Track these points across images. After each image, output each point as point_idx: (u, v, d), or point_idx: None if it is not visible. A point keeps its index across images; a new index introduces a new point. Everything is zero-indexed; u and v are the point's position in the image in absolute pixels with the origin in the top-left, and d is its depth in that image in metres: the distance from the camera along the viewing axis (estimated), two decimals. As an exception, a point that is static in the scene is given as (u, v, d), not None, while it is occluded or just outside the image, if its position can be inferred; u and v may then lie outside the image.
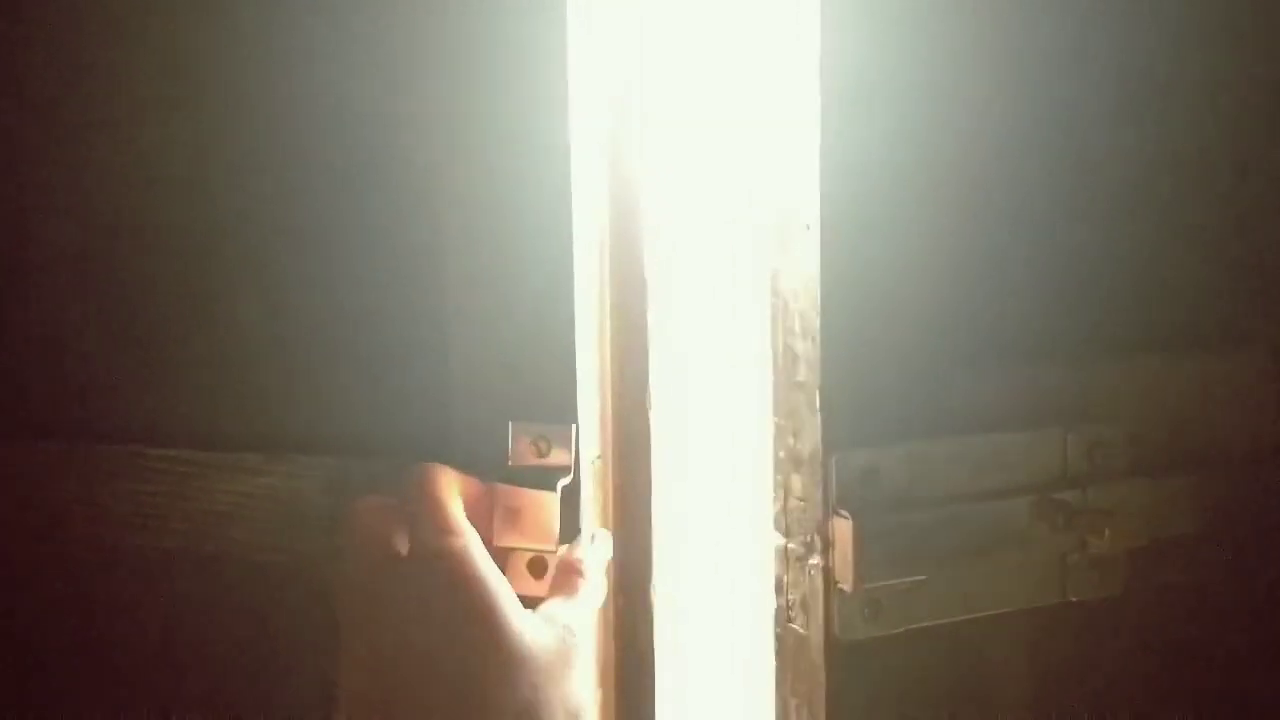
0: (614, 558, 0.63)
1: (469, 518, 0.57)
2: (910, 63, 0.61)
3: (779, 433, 0.63)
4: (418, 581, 0.54)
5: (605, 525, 0.64)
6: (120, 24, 0.68)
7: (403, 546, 0.55)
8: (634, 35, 0.63)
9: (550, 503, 0.59)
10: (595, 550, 0.61)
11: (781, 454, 0.63)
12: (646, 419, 0.64)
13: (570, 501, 0.60)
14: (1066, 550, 0.64)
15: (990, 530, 0.63)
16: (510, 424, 0.60)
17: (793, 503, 0.62)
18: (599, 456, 0.63)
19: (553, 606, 0.57)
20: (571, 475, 0.60)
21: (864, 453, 0.61)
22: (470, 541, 0.55)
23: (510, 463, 0.60)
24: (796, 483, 0.62)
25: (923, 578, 0.61)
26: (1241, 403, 0.68)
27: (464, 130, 0.61)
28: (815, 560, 0.61)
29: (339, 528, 0.57)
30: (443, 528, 0.55)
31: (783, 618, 0.63)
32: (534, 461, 0.60)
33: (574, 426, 0.60)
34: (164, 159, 0.68)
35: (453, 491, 0.57)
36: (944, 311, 0.63)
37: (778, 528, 0.63)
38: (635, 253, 0.63)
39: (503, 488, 0.59)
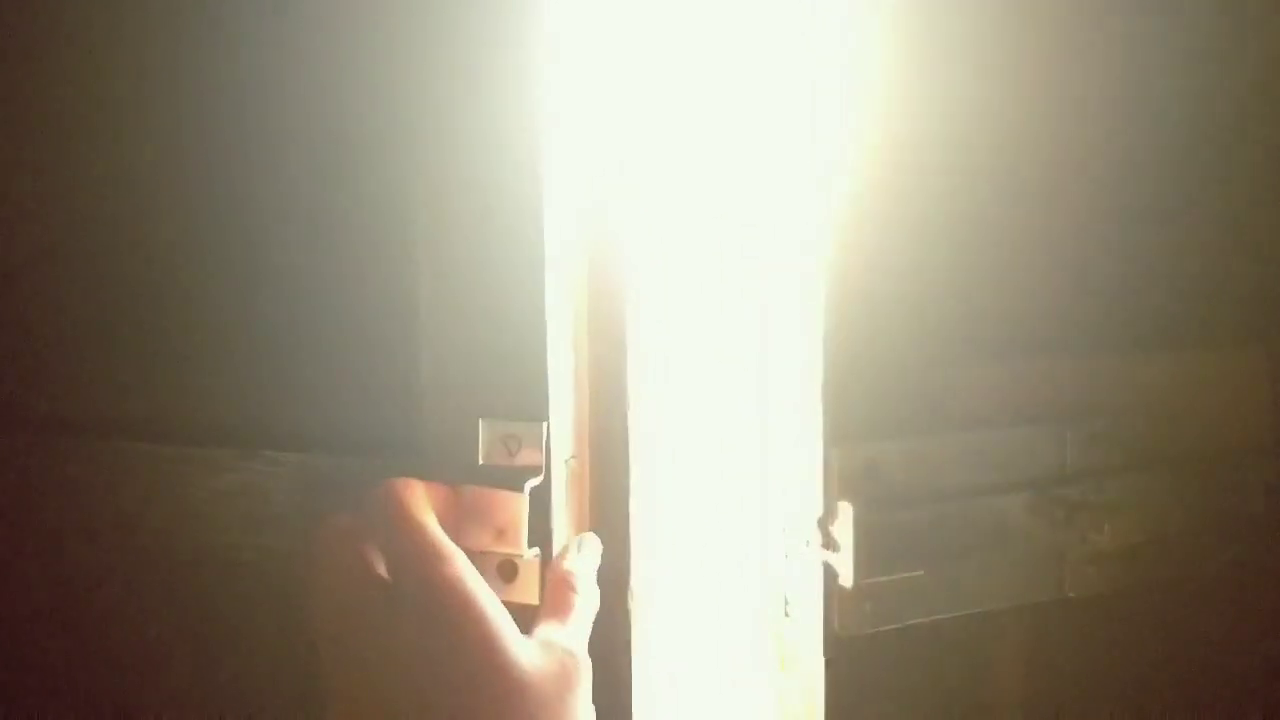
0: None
1: (439, 521, 0.54)
2: (910, 59, 0.61)
3: (778, 428, 0.63)
4: (407, 613, 0.51)
5: (580, 528, 0.62)
6: (91, 21, 0.67)
7: (383, 574, 0.52)
8: (611, 30, 0.61)
9: (518, 504, 0.57)
10: (584, 559, 0.58)
11: (781, 449, 0.63)
12: (625, 418, 0.61)
13: (540, 503, 0.58)
14: (1065, 546, 0.64)
15: (989, 526, 0.63)
16: (480, 421, 0.58)
17: (792, 498, 0.62)
18: (572, 457, 0.60)
19: (550, 630, 0.54)
20: (542, 476, 0.57)
21: (865, 447, 0.61)
22: (461, 568, 0.52)
23: (481, 461, 0.58)
24: (796, 478, 0.62)
25: (922, 573, 0.61)
26: (1238, 398, 0.69)
27: (434, 123, 0.59)
28: (815, 555, 0.61)
29: (306, 554, 0.54)
30: (429, 553, 0.52)
31: (780, 613, 0.63)
32: (504, 461, 0.58)
33: (544, 425, 0.58)
34: (134, 155, 0.67)
35: (428, 508, 0.54)
36: (944, 307, 0.63)
37: (776, 523, 0.63)
38: (614, 245, 0.61)
39: (470, 489, 0.57)
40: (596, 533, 0.60)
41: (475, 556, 0.56)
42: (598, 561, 0.59)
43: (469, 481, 0.57)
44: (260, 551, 0.64)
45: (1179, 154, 0.68)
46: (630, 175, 0.61)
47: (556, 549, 0.58)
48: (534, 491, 0.57)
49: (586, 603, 0.57)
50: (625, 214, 0.61)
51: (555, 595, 0.56)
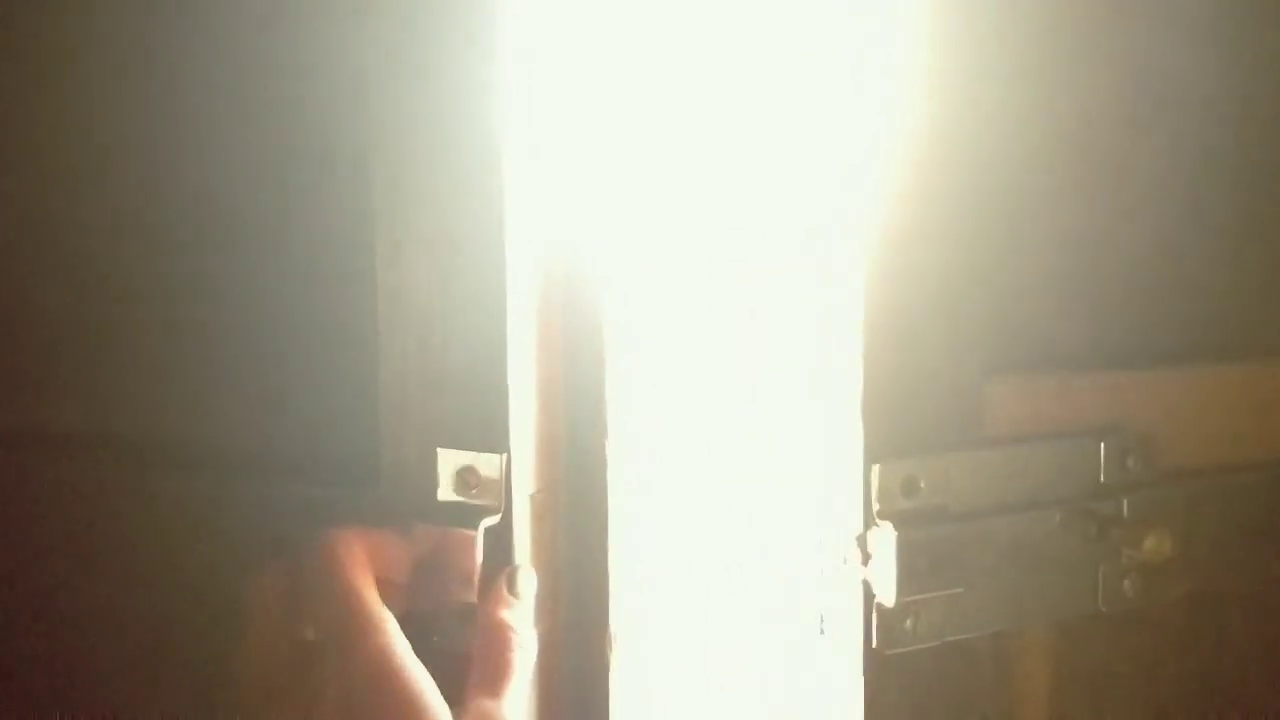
0: (565, 606, 0.57)
1: (386, 571, 0.51)
2: (947, 73, 0.61)
3: (815, 444, 0.62)
4: (331, 681, 0.48)
5: (550, 570, 0.56)
6: (22, 14, 0.65)
7: (310, 635, 0.50)
8: (579, 32, 0.58)
9: (469, 546, 0.52)
10: (520, 604, 0.53)
11: (818, 465, 0.62)
12: (603, 447, 0.57)
13: (498, 543, 0.53)
14: (1100, 560, 0.64)
15: (1025, 541, 0.63)
16: (438, 452, 0.54)
17: (830, 514, 0.62)
18: (539, 490, 0.56)
19: (481, 702, 0.50)
20: (499, 515, 0.53)
21: (904, 463, 0.60)
22: (388, 639, 0.48)
23: (440, 496, 0.54)
24: (833, 494, 0.61)
25: (961, 590, 0.61)
26: (1272, 410, 0.69)
27: (394, 139, 0.56)
28: (854, 573, 0.60)
29: (240, 599, 0.51)
30: (357, 623, 0.49)
31: (816, 631, 0.63)
32: (463, 496, 0.53)
33: (503, 457, 0.53)
34: (94, 183, 0.65)
35: (364, 568, 0.50)
36: (981, 321, 0.63)
37: (813, 540, 0.62)
38: (591, 258, 0.58)
39: (423, 529, 0.53)
40: (572, 573, 0.56)
41: (428, 609, 0.52)
42: (532, 594, 0.54)
43: (424, 519, 0.53)
44: (213, 574, 0.61)
45: (1218, 164, 0.68)
46: (617, 184, 0.58)
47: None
48: (491, 532, 0.52)
49: (523, 660, 0.52)
50: (606, 224, 0.57)
51: (487, 653, 0.52)
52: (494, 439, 0.53)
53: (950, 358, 0.62)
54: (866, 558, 0.60)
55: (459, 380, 0.54)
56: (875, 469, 0.60)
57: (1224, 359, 0.68)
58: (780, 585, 0.65)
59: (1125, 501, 0.64)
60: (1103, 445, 0.65)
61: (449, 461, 0.54)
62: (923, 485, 0.61)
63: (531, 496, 0.55)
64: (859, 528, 0.60)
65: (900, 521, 0.59)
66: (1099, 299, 0.66)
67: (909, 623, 0.60)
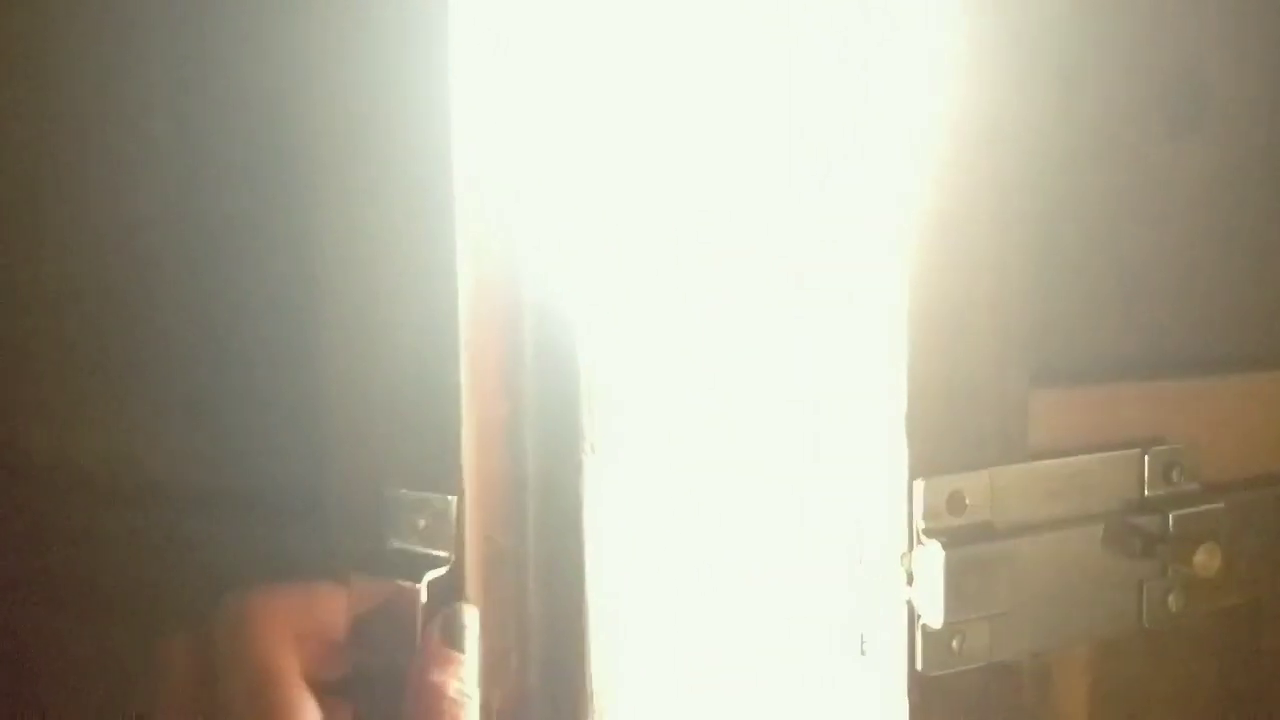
0: (535, 666, 0.50)
1: (319, 631, 0.46)
2: (989, 81, 0.59)
3: (854, 460, 0.60)
4: None
5: (519, 625, 0.49)
6: None
7: (216, 707, 0.45)
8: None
9: (411, 600, 0.45)
10: (455, 660, 0.45)
11: (856, 482, 0.60)
12: (578, 486, 0.50)
13: (450, 597, 0.46)
14: (1144, 577, 0.63)
15: (1070, 558, 0.61)
16: (383, 493, 0.47)
17: (870, 533, 0.60)
18: (502, 536, 0.49)
19: None
20: (446, 566, 0.46)
21: (949, 479, 0.58)
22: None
23: (384, 542, 0.48)
24: (874, 512, 0.59)
25: (1006, 610, 0.59)
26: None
27: (339, 159, 0.51)
28: (898, 593, 0.58)
29: (154, 652, 0.47)
30: (263, 700, 0.43)
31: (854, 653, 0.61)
32: (407, 543, 0.47)
33: (455, 499, 0.46)
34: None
35: (283, 636, 0.45)
36: (1024, 330, 0.61)
37: (853, 559, 0.60)
38: (562, 274, 0.51)
39: (361, 581, 0.46)
40: (545, 629, 0.49)
41: (368, 674, 0.46)
42: (474, 642, 0.47)
43: (366, 568, 0.47)
44: (156, 612, 0.57)
45: (1260, 172, 0.66)
46: (602, 191, 0.54)
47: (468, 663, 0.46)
48: (439, 584, 0.46)
49: None
50: (589, 230, 0.51)
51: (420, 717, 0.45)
52: (443, 478, 0.47)
53: (997, 368, 0.60)
54: (910, 578, 0.58)
55: (406, 412, 0.48)
56: (920, 485, 0.58)
57: (1268, 366, 0.67)
58: (799, 617, 0.63)
59: (1170, 516, 0.62)
60: (1146, 458, 0.63)
61: (395, 504, 0.47)
62: (968, 501, 0.59)
63: (489, 541, 0.48)
64: (902, 546, 0.58)
65: (947, 540, 0.57)
66: (1141, 307, 0.65)
67: (955, 643, 0.58)
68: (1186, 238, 0.65)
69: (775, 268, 0.63)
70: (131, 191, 0.60)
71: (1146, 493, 0.63)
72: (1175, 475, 0.63)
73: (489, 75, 0.50)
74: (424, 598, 0.45)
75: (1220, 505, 0.63)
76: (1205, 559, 0.61)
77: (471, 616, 0.47)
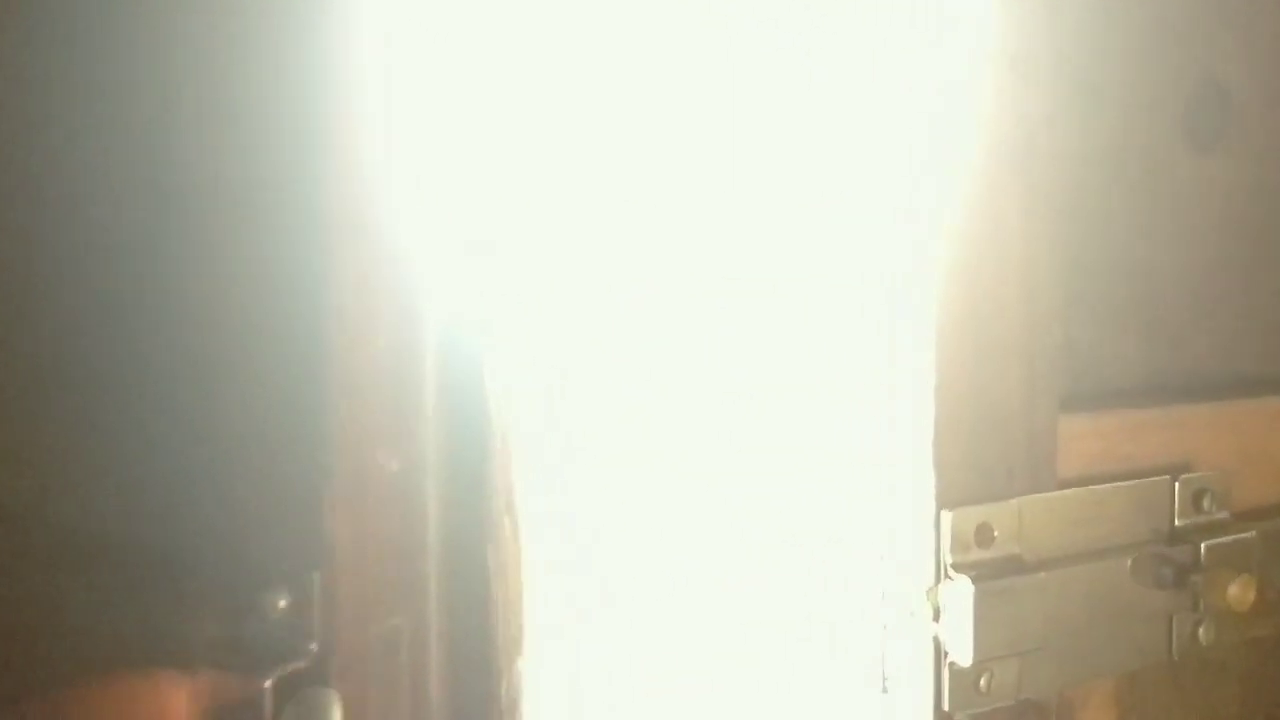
0: None
1: None
2: (1013, 94, 0.56)
3: (878, 492, 0.57)
4: None
5: None
6: None
7: None
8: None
9: (254, 700, 0.39)
10: None
11: (881, 514, 0.57)
12: (487, 553, 0.43)
13: (305, 690, 0.39)
14: (1174, 609, 0.60)
15: (1100, 591, 0.58)
16: (248, 564, 0.40)
17: (893, 566, 0.57)
18: (395, 620, 0.42)
19: None
20: (304, 659, 0.39)
21: (977, 510, 0.56)
22: None
23: (247, 625, 0.41)
24: (899, 544, 0.57)
25: (1036, 646, 0.56)
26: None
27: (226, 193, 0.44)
28: (924, 629, 0.56)
29: None
30: None
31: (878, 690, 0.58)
32: (265, 628, 0.40)
33: (317, 575, 0.39)
34: None
35: None
36: (1051, 356, 0.58)
37: (876, 593, 0.58)
38: (472, 306, 0.44)
39: (208, 677, 0.40)
40: None
41: None
42: None
43: (229, 655, 0.40)
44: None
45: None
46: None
47: None
48: (291, 680, 0.39)
49: None
50: (502, 257, 0.45)
51: None
52: (306, 547, 0.39)
53: (1025, 393, 0.57)
54: (937, 613, 0.56)
55: (267, 470, 0.41)
56: (947, 516, 0.55)
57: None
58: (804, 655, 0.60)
59: (1202, 546, 0.60)
60: (1176, 485, 0.61)
61: (254, 579, 0.40)
62: (996, 533, 0.56)
63: (393, 627, 0.42)
64: (929, 580, 0.56)
65: (976, 574, 0.55)
66: (1168, 329, 0.62)
67: (983, 681, 0.56)
68: (1214, 257, 0.63)
69: (781, 291, 0.61)
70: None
71: (1177, 522, 0.61)
72: (1206, 503, 0.61)
73: (374, 93, 0.43)
74: (268, 700, 0.39)
75: (1252, 534, 0.61)
76: (1239, 592, 0.58)
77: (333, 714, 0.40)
